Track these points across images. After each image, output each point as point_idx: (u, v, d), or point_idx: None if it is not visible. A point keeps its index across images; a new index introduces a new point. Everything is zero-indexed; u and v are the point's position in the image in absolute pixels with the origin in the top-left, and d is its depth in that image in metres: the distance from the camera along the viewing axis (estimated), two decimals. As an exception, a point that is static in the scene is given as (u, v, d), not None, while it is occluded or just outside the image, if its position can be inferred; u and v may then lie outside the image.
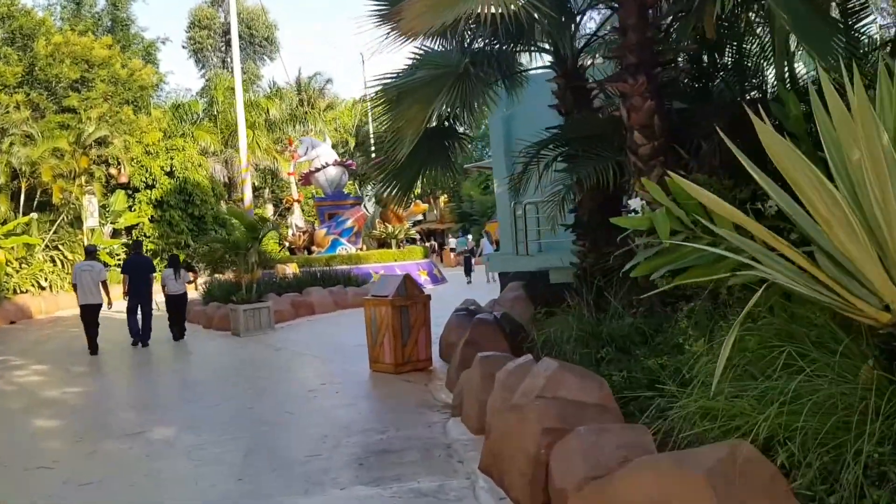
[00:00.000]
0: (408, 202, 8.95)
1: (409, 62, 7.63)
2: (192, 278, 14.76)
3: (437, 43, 7.82)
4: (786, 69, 6.29)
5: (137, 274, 12.20)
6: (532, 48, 8.11)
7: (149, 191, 27.61)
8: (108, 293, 11.71)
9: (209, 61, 45.08)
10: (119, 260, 23.59)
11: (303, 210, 30.59)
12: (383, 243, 27.80)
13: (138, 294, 12.09)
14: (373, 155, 24.56)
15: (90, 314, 11.48)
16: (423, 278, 22.97)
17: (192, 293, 15.51)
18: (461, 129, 8.28)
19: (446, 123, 8.07)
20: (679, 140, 6.27)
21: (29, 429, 6.80)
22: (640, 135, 6.21)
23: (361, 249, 25.47)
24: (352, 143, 39.50)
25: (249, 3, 43.18)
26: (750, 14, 6.67)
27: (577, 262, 7.72)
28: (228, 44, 38.13)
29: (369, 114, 30.65)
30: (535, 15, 6.14)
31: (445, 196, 46.42)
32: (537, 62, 8.81)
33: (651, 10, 6.48)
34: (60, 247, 22.66)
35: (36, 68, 25.26)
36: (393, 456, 5.09)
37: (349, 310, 16.24)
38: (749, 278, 3.59)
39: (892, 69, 3.12)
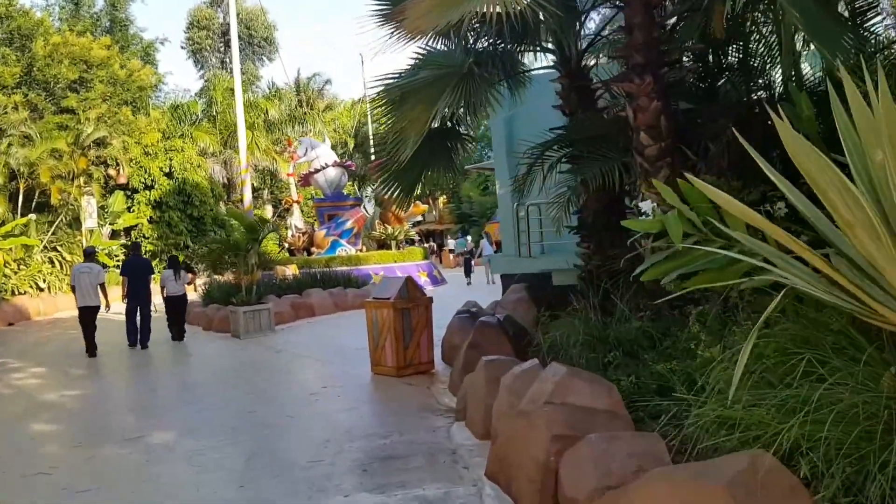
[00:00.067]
0: (408, 203, 8.87)
1: (412, 62, 7.55)
2: (190, 279, 14.68)
3: (440, 43, 7.75)
4: (792, 69, 6.22)
5: (136, 276, 12.15)
6: (536, 48, 8.04)
7: (147, 192, 27.49)
8: (106, 296, 11.62)
9: (208, 62, 45.04)
10: (118, 261, 23.49)
11: (302, 211, 30.48)
12: (383, 244, 27.75)
13: (137, 296, 12.02)
14: (372, 156, 24.50)
15: (88, 316, 11.40)
16: (423, 280, 22.89)
17: (192, 294, 15.44)
18: (463, 130, 8.20)
19: (449, 124, 7.98)
20: (686, 141, 6.18)
21: (27, 433, 6.71)
22: (647, 136, 6.13)
23: (361, 251, 25.40)
24: (351, 144, 39.46)
25: (249, 4, 43.19)
26: (756, 14, 6.60)
27: (582, 264, 7.64)
28: (227, 44, 38.17)
29: (369, 115, 30.55)
30: (541, 14, 6.06)
31: (444, 197, 46.35)
32: (541, 62, 8.75)
33: (656, 10, 6.41)
34: (59, 248, 22.58)
35: (34, 69, 25.18)
36: (397, 462, 5.00)
37: (349, 311, 16.19)
38: (762, 282, 3.51)
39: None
